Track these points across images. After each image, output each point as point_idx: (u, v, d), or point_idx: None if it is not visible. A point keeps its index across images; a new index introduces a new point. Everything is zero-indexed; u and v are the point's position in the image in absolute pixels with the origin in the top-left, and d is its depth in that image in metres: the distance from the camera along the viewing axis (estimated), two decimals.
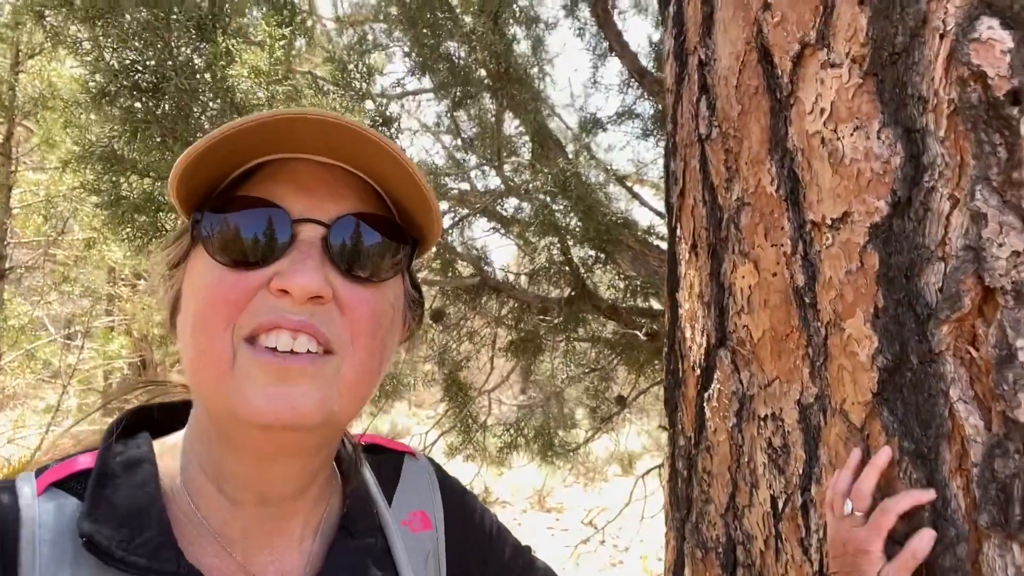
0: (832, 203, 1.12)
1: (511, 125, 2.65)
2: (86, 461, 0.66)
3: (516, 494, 9.89)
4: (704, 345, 1.45)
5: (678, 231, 1.61)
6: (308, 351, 0.60)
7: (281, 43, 1.65)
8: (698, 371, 1.47)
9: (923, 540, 0.94)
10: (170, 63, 1.50)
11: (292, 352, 0.59)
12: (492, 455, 3.14)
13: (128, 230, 1.75)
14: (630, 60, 2.82)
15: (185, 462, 0.67)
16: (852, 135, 1.09)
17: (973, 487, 0.94)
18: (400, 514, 0.78)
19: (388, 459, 0.83)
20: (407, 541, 0.76)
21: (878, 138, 1.06)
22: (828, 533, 1.04)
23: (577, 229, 2.24)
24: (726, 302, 1.37)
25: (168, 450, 0.69)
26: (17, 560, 0.57)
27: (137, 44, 1.46)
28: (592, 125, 2.92)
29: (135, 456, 0.66)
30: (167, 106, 1.55)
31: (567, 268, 2.39)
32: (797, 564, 1.18)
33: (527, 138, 2.59)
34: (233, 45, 1.67)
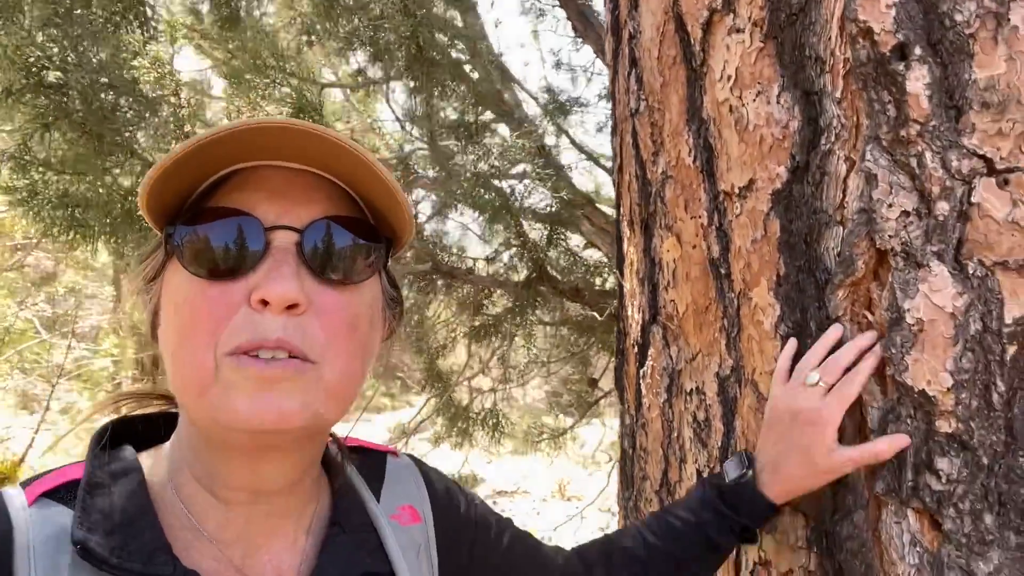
0: (739, 171, 1.10)
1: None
2: (74, 472, 0.66)
3: (534, 483, 9.91)
4: (640, 322, 1.43)
5: (620, 208, 1.59)
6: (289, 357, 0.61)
7: (182, 33, 1.67)
8: (636, 348, 1.46)
9: (894, 441, 0.88)
10: (72, 58, 1.51)
11: (274, 359, 0.60)
12: (478, 442, 3.15)
13: (48, 227, 1.77)
14: (593, 41, 2.78)
15: (175, 469, 0.67)
16: (755, 100, 1.07)
17: None
18: (389, 509, 0.79)
19: (372, 459, 0.84)
20: (398, 534, 0.77)
21: (778, 102, 1.04)
22: (767, 404, 0.98)
23: (538, 206, 2.22)
24: (656, 277, 1.36)
25: (156, 459, 0.69)
26: (12, 570, 0.58)
27: (40, 39, 1.48)
28: (555, 106, 2.90)
29: (122, 466, 0.66)
30: (76, 102, 1.56)
31: (523, 250, 2.37)
32: None
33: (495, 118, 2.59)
34: (134, 38, 1.68)
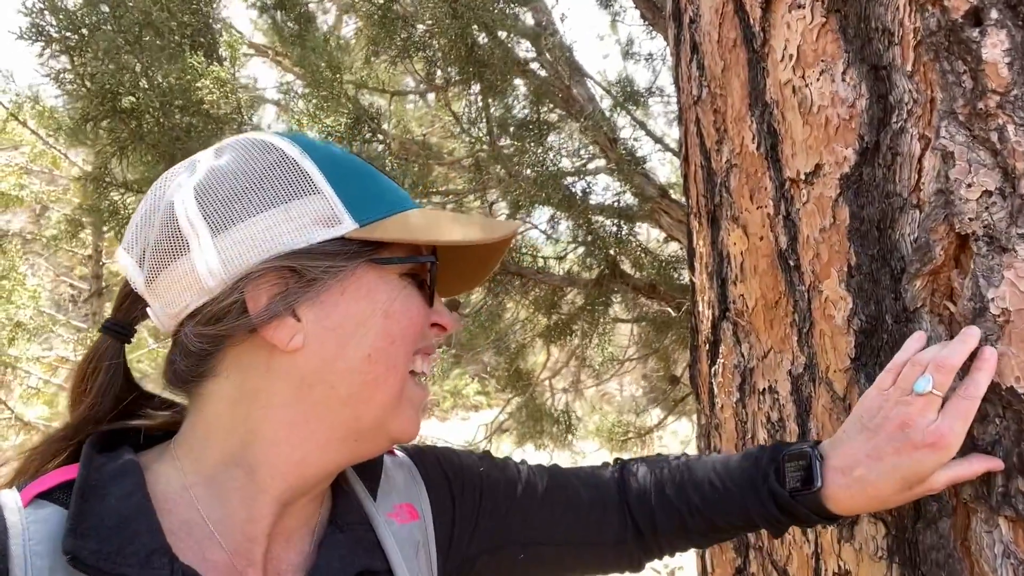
0: (805, 156, 1.03)
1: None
2: (70, 473, 0.65)
3: None
4: (710, 318, 1.38)
5: (689, 200, 1.54)
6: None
7: (242, 51, 1.72)
8: (707, 345, 1.40)
9: (991, 463, 0.78)
10: (144, 84, 1.58)
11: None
12: (560, 440, 3.10)
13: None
14: (663, 29, 2.68)
15: (204, 465, 0.67)
16: (819, 80, 1.00)
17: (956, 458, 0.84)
18: (386, 507, 0.79)
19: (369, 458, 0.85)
20: (396, 532, 0.77)
21: (843, 80, 0.97)
22: (858, 407, 0.83)
23: (607, 201, 2.15)
24: (725, 271, 1.30)
25: (162, 459, 0.69)
26: (9, 574, 0.57)
27: (111, 67, 1.55)
28: (624, 97, 2.79)
29: (119, 466, 0.65)
30: (149, 125, 1.63)
31: (592, 247, 2.30)
32: (798, 545, 1.10)
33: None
34: (197, 60, 1.73)
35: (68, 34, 1.66)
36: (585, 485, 0.92)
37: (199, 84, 1.72)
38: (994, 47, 0.80)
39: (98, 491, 0.63)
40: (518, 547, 0.87)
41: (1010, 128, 0.80)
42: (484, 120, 2.25)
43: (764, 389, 1.19)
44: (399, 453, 0.87)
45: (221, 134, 1.84)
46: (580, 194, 2.32)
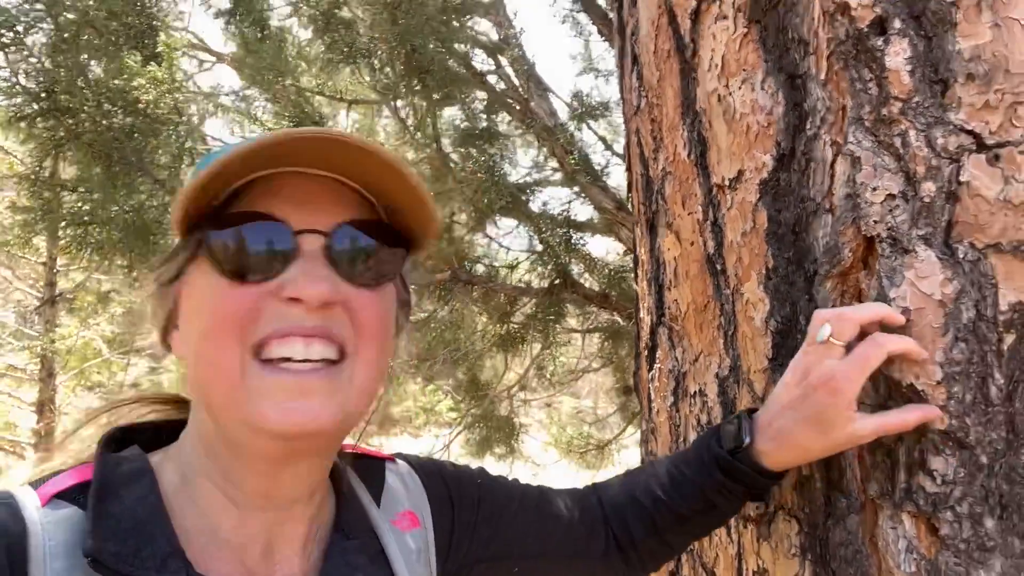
0: (729, 163, 1.06)
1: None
2: (84, 473, 0.65)
3: None
4: (649, 324, 1.39)
5: (634, 209, 1.56)
6: (324, 359, 0.63)
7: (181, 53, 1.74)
8: (646, 351, 1.42)
9: (925, 412, 0.78)
10: (81, 82, 1.58)
11: (307, 360, 0.62)
12: (522, 454, 3.11)
13: (67, 245, 1.86)
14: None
15: (188, 473, 0.67)
16: (740, 88, 1.03)
17: (866, 455, 0.86)
18: (389, 514, 0.80)
19: (371, 465, 0.85)
20: (399, 540, 0.78)
21: (762, 88, 0.99)
22: (790, 368, 0.85)
23: (555, 211, 2.18)
24: (661, 277, 1.32)
25: (165, 461, 0.68)
26: (27, 574, 0.57)
27: (48, 65, 1.56)
28: (583, 111, 2.84)
29: (133, 468, 0.65)
30: (85, 124, 1.63)
31: (545, 257, 2.33)
32: (723, 546, 1.12)
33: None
34: (133, 59, 1.74)
35: (3, 31, 1.66)
36: (572, 501, 0.96)
37: (135, 84, 1.72)
38: (896, 55, 0.83)
39: (114, 492, 0.63)
40: (513, 559, 0.89)
41: (912, 133, 0.82)
42: (431, 127, 2.26)
43: (695, 392, 1.20)
44: (399, 462, 0.88)
45: (158, 135, 1.85)
46: (534, 204, 2.35)
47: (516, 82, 2.64)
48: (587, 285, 2.58)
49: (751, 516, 1.02)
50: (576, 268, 2.49)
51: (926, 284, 0.80)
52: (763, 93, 0.99)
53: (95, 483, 0.63)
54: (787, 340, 0.96)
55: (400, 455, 0.91)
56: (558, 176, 2.79)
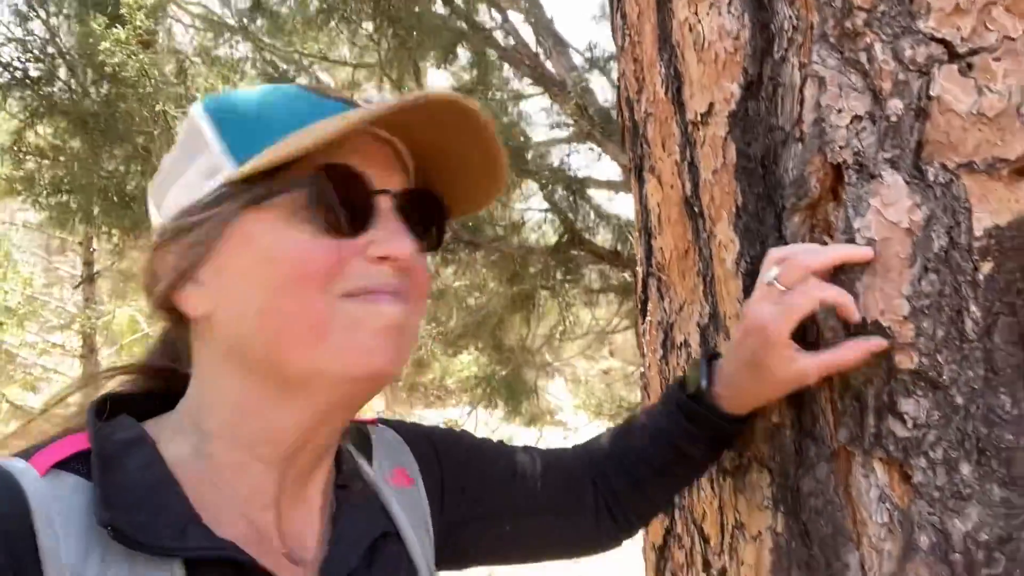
0: (701, 96, 0.99)
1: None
2: (78, 442, 0.61)
3: None
4: (641, 275, 1.34)
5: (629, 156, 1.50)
6: None
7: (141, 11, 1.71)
8: (639, 305, 1.36)
9: (862, 345, 0.74)
10: (51, 48, 1.59)
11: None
12: (551, 418, 3.08)
13: (50, 215, 1.88)
14: None
15: (198, 440, 0.65)
16: (708, 14, 0.96)
17: (836, 399, 0.80)
18: (384, 472, 0.79)
19: (357, 428, 0.84)
20: (398, 497, 0.78)
21: (729, 11, 0.92)
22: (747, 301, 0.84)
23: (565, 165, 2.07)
24: (649, 225, 1.26)
25: (163, 430, 0.65)
26: (36, 547, 0.53)
27: (19, 34, 1.57)
28: (591, 63, 2.72)
29: (129, 435, 0.62)
30: (61, 92, 1.64)
31: (552, 214, 2.26)
32: (709, 501, 1.07)
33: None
34: (97, 23, 1.73)
35: None
36: (558, 460, 0.95)
37: (100, 47, 1.71)
38: None
39: (116, 462, 0.59)
40: (504, 517, 0.88)
41: (877, 47, 0.75)
42: (414, 80, 2.21)
43: (681, 343, 1.15)
44: (381, 426, 0.87)
45: (127, 100, 1.85)
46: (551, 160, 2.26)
47: (525, 37, 2.56)
48: (598, 242, 2.50)
49: (728, 468, 0.97)
50: (585, 224, 2.42)
51: (892, 211, 0.73)
52: (730, 16, 0.92)
53: (96, 451, 0.59)
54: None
55: (381, 419, 0.89)
56: (571, 134, 2.70)
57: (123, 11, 1.86)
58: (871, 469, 0.77)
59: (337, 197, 0.61)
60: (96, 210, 1.89)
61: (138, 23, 1.80)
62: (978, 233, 0.70)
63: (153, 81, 1.85)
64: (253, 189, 0.61)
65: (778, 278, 0.76)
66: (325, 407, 0.64)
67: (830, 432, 0.82)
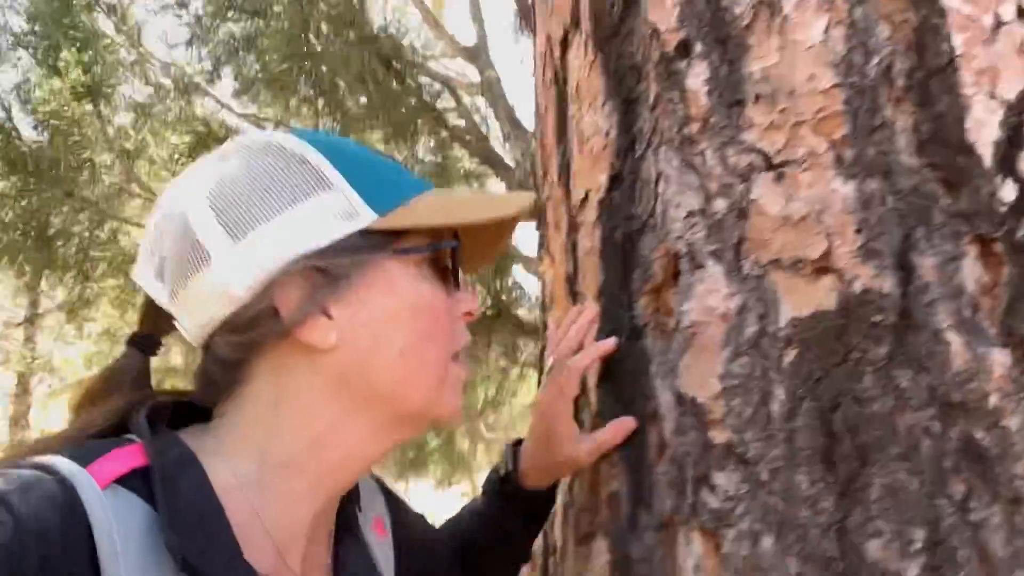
0: (581, 184, 1.08)
1: None
2: (133, 455, 0.59)
3: None
4: (541, 346, 1.40)
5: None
6: None
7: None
8: (539, 373, 1.42)
9: (619, 427, 0.88)
10: None
11: None
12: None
13: None
14: None
15: (263, 463, 0.65)
16: (588, 112, 1.06)
17: (662, 468, 0.86)
18: (367, 519, 0.81)
19: None
20: (376, 546, 0.80)
21: (603, 111, 1.02)
22: None
23: None
24: (545, 300, 1.33)
25: (206, 449, 0.63)
26: (97, 567, 0.51)
27: None
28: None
29: (181, 455, 0.61)
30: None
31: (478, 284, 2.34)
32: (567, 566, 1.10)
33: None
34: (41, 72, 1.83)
35: None
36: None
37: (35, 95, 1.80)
38: (696, 77, 0.85)
39: (170, 483, 0.58)
40: None
41: (708, 152, 0.84)
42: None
43: None
44: None
45: (57, 147, 1.92)
46: None
47: (473, 119, 2.70)
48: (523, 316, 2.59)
49: (578, 536, 1.01)
50: (510, 298, 2.51)
51: (711, 298, 0.81)
52: (603, 116, 1.02)
53: (158, 472, 0.57)
54: (611, 358, 0.96)
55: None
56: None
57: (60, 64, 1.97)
58: (690, 539, 0.82)
59: (453, 258, 0.71)
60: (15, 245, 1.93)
61: (74, 77, 1.90)
62: (783, 323, 0.77)
63: (83, 131, 1.94)
64: (397, 239, 0.68)
65: (552, 367, 0.89)
66: (400, 442, 0.73)
67: (659, 501, 0.87)
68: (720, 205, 0.82)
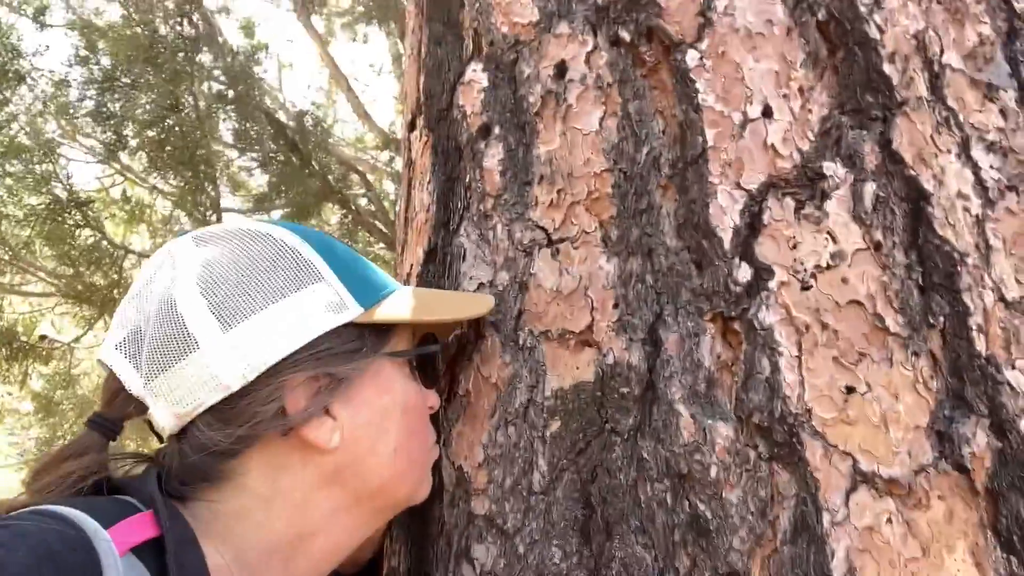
0: (408, 257, 1.11)
1: None
2: (146, 525, 0.60)
3: None
4: None
5: None
6: None
7: None
8: None
9: None
10: None
11: None
12: None
13: None
14: None
15: (247, 548, 0.65)
16: (419, 189, 1.09)
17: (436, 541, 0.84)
18: None
19: None
20: None
21: (427, 189, 1.06)
22: None
23: None
24: None
25: (199, 529, 0.63)
26: None
27: None
28: None
29: (184, 535, 0.61)
30: None
31: None
32: None
33: None
34: None
35: None
36: None
37: None
38: (492, 157, 0.90)
39: (180, 565, 0.58)
40: None
41: (499, 228, 0.87)
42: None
43: None
44: None
45: None
46: None
47: (383, 203, 2.77)
48: None
49: None
50: None
51: (486, 368, 0.82)
52: (427, 193, 1.05)
53: (172, 547, 0.58)
54: None
55: None
56: None
57: None
58: None
59: (434, 362, 0.83)
60: None
61: None
62: (547, 394, 0.79)
63: None
64: (387, 342, 0.74)
65: None
66: (378, 527, 0.78)
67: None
68: (503, 278, 0.85)
